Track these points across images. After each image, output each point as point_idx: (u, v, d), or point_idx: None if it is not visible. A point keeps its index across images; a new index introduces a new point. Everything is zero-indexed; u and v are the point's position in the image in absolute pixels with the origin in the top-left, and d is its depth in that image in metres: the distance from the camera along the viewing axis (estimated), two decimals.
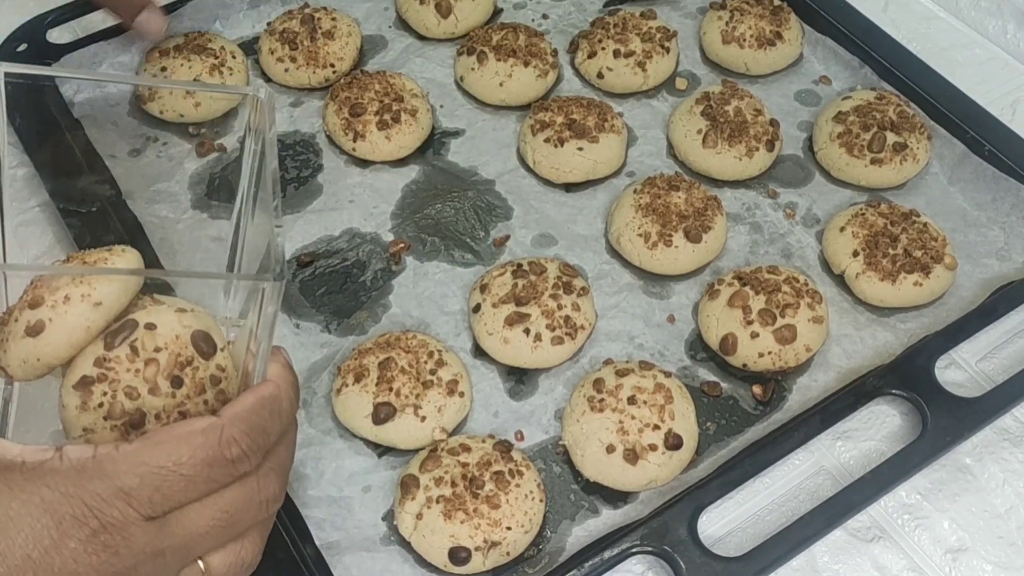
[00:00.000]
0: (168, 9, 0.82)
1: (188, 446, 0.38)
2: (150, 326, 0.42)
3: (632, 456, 0.58)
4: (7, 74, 0.46)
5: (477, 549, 0.54)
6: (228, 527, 0.41)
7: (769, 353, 0.63)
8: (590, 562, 0.55)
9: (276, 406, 0.42)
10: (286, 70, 0.80)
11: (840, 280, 0.69)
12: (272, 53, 0.80)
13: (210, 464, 0.39)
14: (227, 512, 0.40)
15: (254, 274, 0.47)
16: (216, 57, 0.78)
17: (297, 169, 0.76)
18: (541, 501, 0.57)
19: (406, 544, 0.56)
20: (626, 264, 0.70)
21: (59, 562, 0.36)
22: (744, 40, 0.81)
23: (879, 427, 0.62)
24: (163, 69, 0.77)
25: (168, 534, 0.39)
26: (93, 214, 0.69)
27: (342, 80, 0.78)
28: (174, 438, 0.38)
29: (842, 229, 0.69)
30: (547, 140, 0.74)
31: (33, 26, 0.81)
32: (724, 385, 0.64)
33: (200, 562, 0.41)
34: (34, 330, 0.42)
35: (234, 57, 0.80)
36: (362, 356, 0.62)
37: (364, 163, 0.76)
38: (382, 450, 0.61)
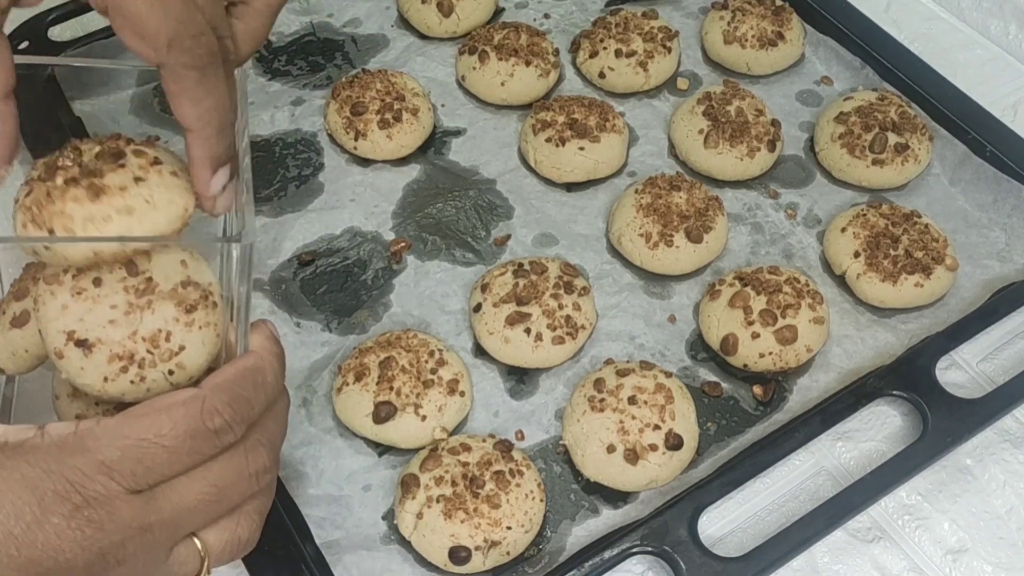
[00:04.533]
0: None
1: (169, 417, 0.38)
2: None
3: (632, 456, 0.58)
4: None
5: (477, 548, 0.54)
6: (218, 501, 0.40)
7: (770, 353, 0.63)
8: (590, 562, 0.54)
9: (259, 377, 0.42)
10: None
11: (841, 281, 0.69)
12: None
13: (192, 435, 0.38)
14: (215, 486, 0.40)
15: (218, 237, 0.46)
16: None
17: (298, 168, 0.76)
18: (541, 501, 0.57)
19: (406, 543, 0.56)
20: (627, 264, 0.70)
21: (42, 538, 0.36)
22: (746, 40, 0.81)
23: (880, 428, 0.62)
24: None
25: (155, 508, 0.38)
26: None
27: (343, 79, 0.78)
28: (155, 410, 0.38)
29: (843, 230, 0.69)
30: (548, 140, 0.74)
31: (34, 24, 0.81)
32: (725, 385, 0.64)
33: (196, 539, 0.41)
34: (19, 321, 0.42)
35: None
36: (363, 355, 0.62)
37: (365, 162, 0.76)
38: (382, 449, 0.61)
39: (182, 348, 0.40)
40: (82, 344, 0.39)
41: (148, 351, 0.39)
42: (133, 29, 0.39)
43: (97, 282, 0.39)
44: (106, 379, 0.39)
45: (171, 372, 0.40)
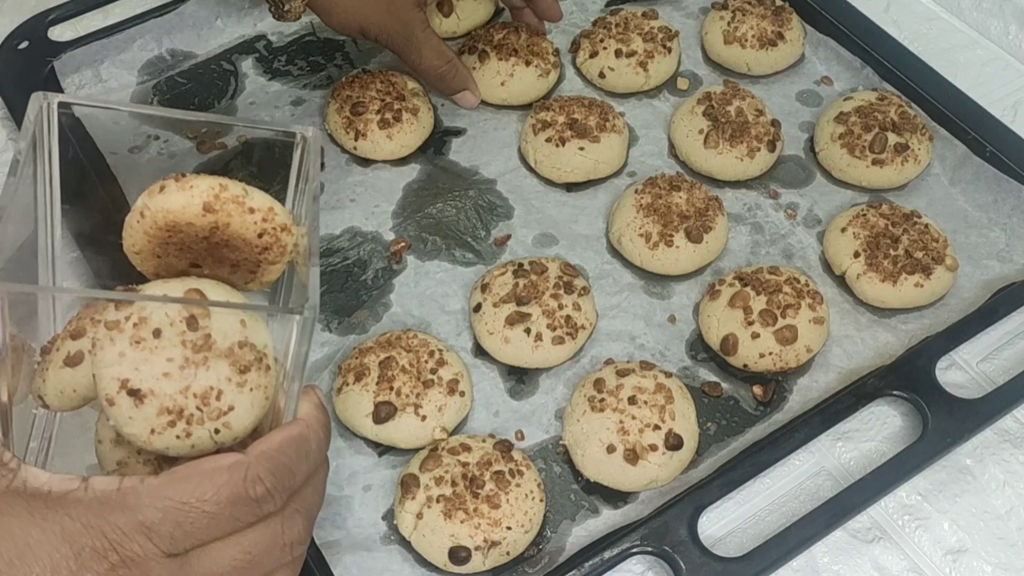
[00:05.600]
0: (169, 6, 0.82)
1: (212, 483, 0.38)
2: None
3: (632, 456, 0.58)
4: (61, 104, 0.46)
5: (477, 549, 0.54)
6: (249, 568, 0.40)
7: (770, 354, 0.63)
8: (590, 562, 0.55)
9: (304, 446, 0.41)
10: None
11: (841, 281, 0.69)
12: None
13: (234, 502, 0.38)
14: (249, 553, 0.39)
15: (279, 307, 0.47)
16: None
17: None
18: (541, 501, 0.57)
19: (406, 543, 0.56)
20: (627, 264, 0.70)
21: None
22: (746, 40, 0.81)
23: (880, 428, 0.62)
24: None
25: (188, 572, 0.38)
26: (94, 213, 0.69)
27: (343, 79, 0.78)
28: (199, 474, 0.38)
29: (843, 230, 0.69)
30: (548, 140, 0.74)
31: (34, 24, 0.81)
32: (725, 385, 0.64)
33: None
34: (72, 361, 0.42)
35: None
36: (363, 355, 0.62)
37: (365, 162, 0.76)
38: (382, 449, 0.61)
39: (231, 408, 0.40)
40: (134, 394, 0.39)
41: (198, 408, 0.39)
42: None
43: (157, 333, 0.39)
44: (153, 431, 0.39)
45: (217, 431, 0.40)
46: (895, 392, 0.61)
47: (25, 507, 0.37)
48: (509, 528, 0.55)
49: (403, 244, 0.71)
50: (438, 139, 0.78)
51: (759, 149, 0.74)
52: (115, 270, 0.62)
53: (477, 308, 0.65)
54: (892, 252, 0.67)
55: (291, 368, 0.42)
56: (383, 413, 0.59)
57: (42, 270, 0.48)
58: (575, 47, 0.83)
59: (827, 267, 0.70)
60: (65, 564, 0.36)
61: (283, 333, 0.42)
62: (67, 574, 0.36)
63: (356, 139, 0.75)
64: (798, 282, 0.65)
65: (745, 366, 0.64)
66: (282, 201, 0.46)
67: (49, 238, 0.48)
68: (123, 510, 0.37)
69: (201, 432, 0.40)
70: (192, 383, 0.39)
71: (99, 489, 0.37)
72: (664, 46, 0.80)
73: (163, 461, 0.41)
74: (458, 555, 0.54)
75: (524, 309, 0.64)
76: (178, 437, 0.39)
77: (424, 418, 0.60)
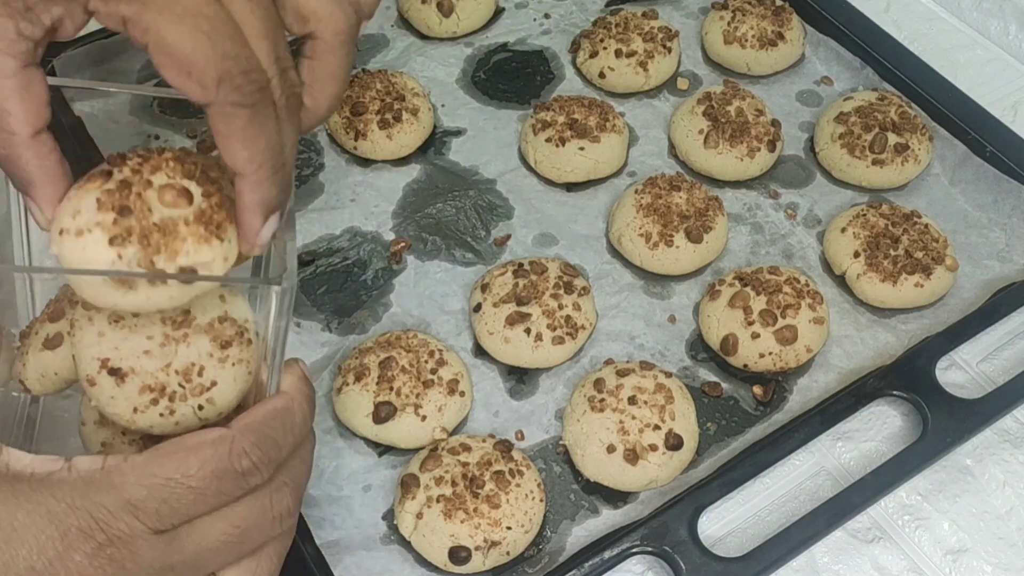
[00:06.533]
0: None
1: (197, 458, 0.37)
2: None
3: (632, 456, 0.58)
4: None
5: (477, 549, 0.54)
6: (240, 543, 0.40)
7: (770, 354, 0.63)
8: (590, 562, 0.55)
9: (289, 418, 0.41)
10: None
11: (841, 281, 0.69)
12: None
13: (219, 476, 0.38)
14: (238, 527, 0.39)
15: (258, 279, 0.46)
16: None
17: (298, 168, 0.76)
18: (541, 501, 0.57)
19: (406, 543, 0.56)
20: (627, 264, 0.70)
21: (63, 575, 0.36)
22: (746, 40, 0.81)
23: (880, 428, 0.62)
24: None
25: (177, 549, 0.38)
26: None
27: None
28: (183, 449, 0.38)
29: (843, 230, 0.69)
30: (548, 140, 0.74)
31: None
32: (725, 385, 0.64)
33: None
34: (52, 343, 0.42)
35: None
36: (363, 355, 0.62)
37: (365, 162, 0.76)
38: (382, 449, 0.61)
39: (214, 384, 0.40)
40: (115, 373, 0.38)
41: (180, 384, 0.39)
42: (178, 67, 0.36)
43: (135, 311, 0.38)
44: (136, 410, 0.39)
45: (201, 407, 0.40)
46: (895, 392, 0.61)
47: (9, 490, 0.36)
48: (509, 528, 0.55)
49: (403, 244, 0.71)
50: (438, 139, 0.78)
51: (759, 149, 0.74)
52: None
53: (477, 308, 0.65)
54: (892, 252, 0.67)
55: (272, 341, 0.41)
56: (383, 413, 0.59)
57: (17, 253, 0.48)
58: (575, 47, 0.83)
59: (827, 267, 0.70)
60: (52, 546, 0.36)
61: (263, 307, 0.41)
62: (54, 555, 0.36)
63: (356, 139, 0.75)
64: (798, 282, 0.65)
65: (745, 366, 0.64)
66: None
67: (22, 218, 0.47)
68: (108, 489, 0.36)
69: (184, 409, 0.39)
70: (173, 360, 0.39)
71: (83, 469, 0.37)
72: (664, 46, 0.80)
73: (148, 440, 0.41)
74: (458, 555, 0.54)
75: (524, 309, 0.64)
76: (161, 415, 0.39)
77: (424, 418, 0.60)
